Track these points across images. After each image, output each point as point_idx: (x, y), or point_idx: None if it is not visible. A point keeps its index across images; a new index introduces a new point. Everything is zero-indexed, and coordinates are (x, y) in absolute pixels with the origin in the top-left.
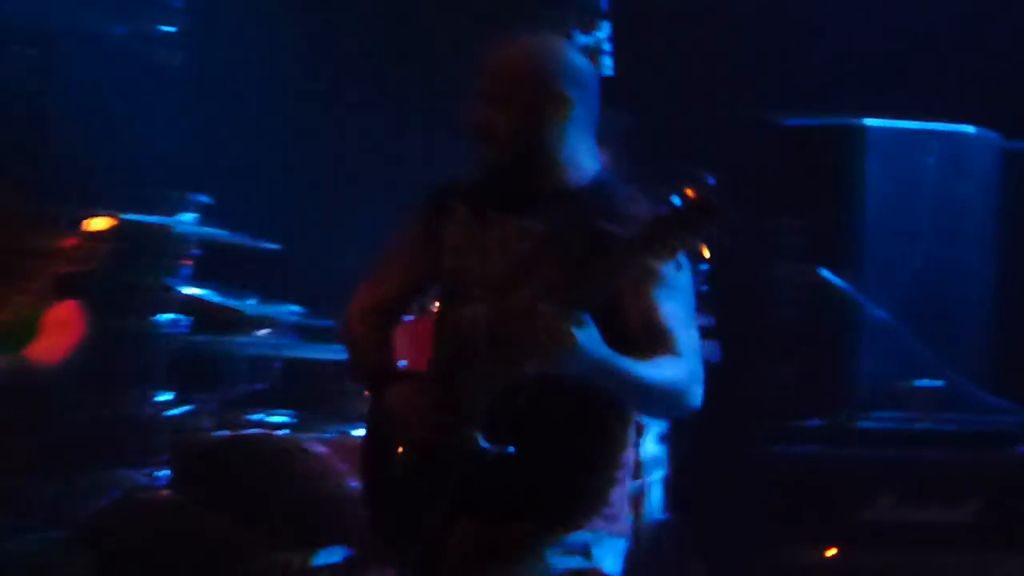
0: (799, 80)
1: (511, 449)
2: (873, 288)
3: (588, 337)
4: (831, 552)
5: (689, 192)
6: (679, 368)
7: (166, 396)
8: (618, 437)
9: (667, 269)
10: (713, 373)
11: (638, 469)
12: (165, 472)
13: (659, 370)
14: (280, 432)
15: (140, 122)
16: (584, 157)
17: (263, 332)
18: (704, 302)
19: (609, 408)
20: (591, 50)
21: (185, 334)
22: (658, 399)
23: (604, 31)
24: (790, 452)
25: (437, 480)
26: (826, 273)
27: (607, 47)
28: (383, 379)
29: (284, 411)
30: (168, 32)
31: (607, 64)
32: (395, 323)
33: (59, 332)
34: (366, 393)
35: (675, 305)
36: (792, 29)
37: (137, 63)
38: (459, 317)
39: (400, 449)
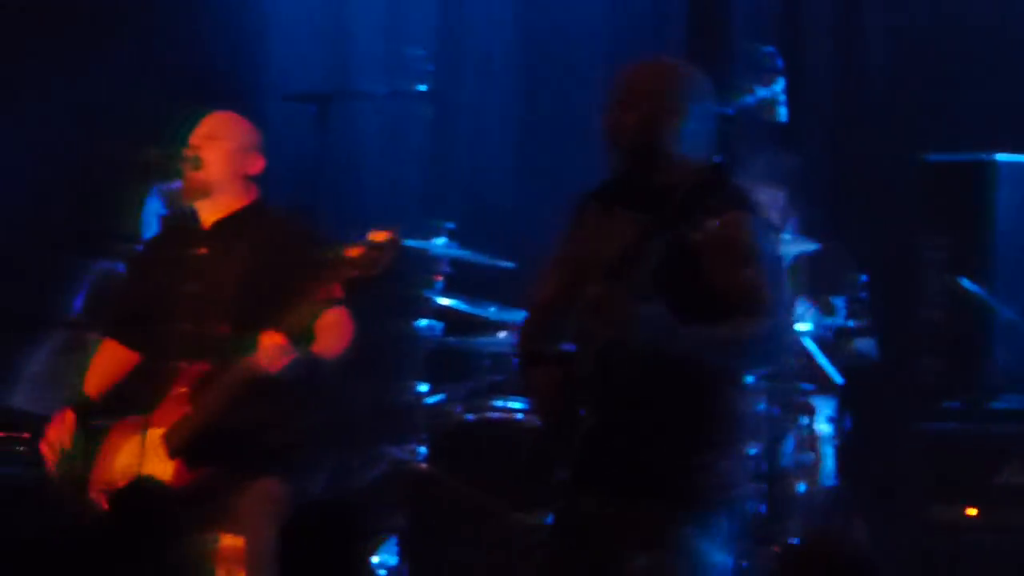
0: (942, 122)
1: (614, 419)
2: (1003, 293)
3: (650, 309)
4: (971, 511)
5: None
6: (759, 324)
7: (423, 387)
8: (724, 409)
9: (744, 237)
10: (874, 365)
11: (813, 443)
12: (423, 449)
13: (736, 330)
14: (517, 415)
15: (400, 164)
16: (696, 159)
17: (502, 334)
18: (864, 307)
19: (712, 381)
20: (769, 101)
21: (439, 336)
22: (737, 355)
23: (780, 85)
24: (936, 428)
25: (558, 454)
26: (965, 282)
27: (782, 98)
28: (530, 361)
29: (520, 398)
30: (421, 90)
31: (782, 113)
32: (563, 316)
33: (331, 334)
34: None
35: (754, 268)
36: (936, 80)
37: (396, 116)
38: (579, 300)
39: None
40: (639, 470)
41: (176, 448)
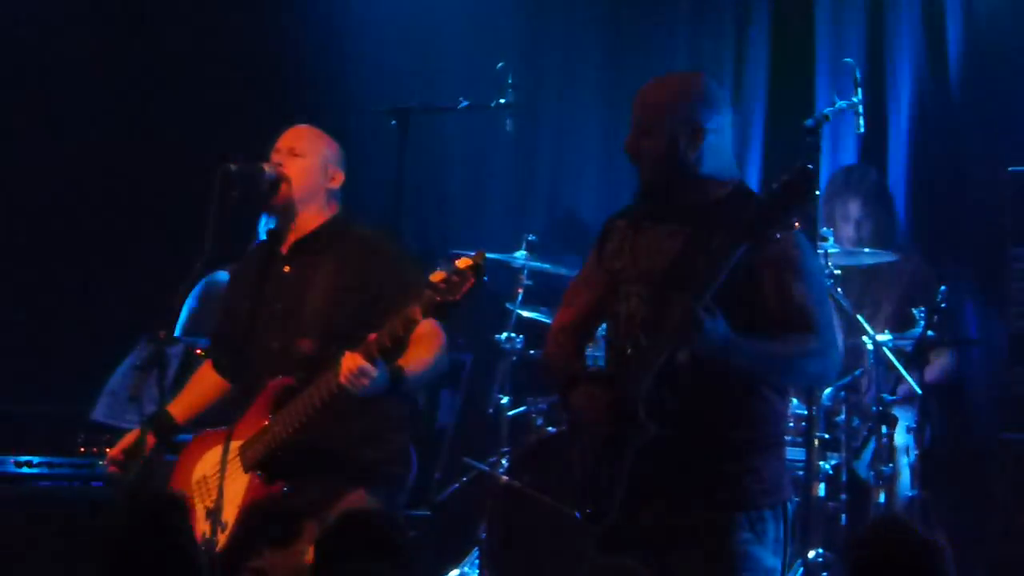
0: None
1: (669, 431)
2: None
3: (715, 321)
4: None
5: (785, 178)
6: (810, 341)
7: (505, 399)
8: (768, 413)
9: (798, 255)
10: (957, 375)
11: (891, 454)
12: (504, 462)
13: (788, 345)
14: None
15: (482, 177)
16: (722, 173)
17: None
18: (944, 318)
19: (757, 389)
20: (849, 112)
21: (520, 348)
22: (788, 370)
23: (858, 96)
24: (1018, 438)
25: (615, 465)
26: None
27: (860, 109)
28: (569, 383)
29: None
30: (504, 103)
31: (861, 124)
32: (587, 339)
33: (423, 346)
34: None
35: (806, 286)
36: (1020, 89)
37: (479, 130)
38: (617, 313)
39: (581, 442)
40: (696, 480)
41: (251, 462)
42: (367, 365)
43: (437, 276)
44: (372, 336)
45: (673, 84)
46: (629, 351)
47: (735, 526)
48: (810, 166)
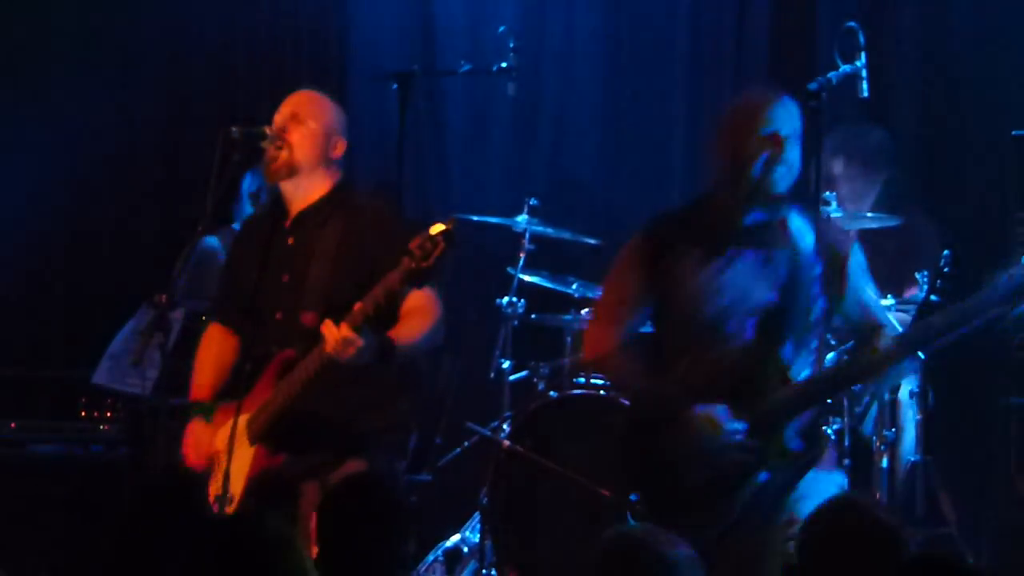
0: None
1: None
2: None
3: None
4: None
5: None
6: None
7: (506, 364)
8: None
9: (858, 257)
10: (959, 340)
11: (894, 419)
12: (506, 426)
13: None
14: (599, 391)
15: (483, 142)
16: (778, 188)
17: (585, 310)
18: (948, 281)
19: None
20: (852, 77)
21: (521, 313)
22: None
23: (862, 60)
24: (1021, 402)
25: (728, 491)
26: None
27: (864, 74)
28: (672, 403)
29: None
30: (504, 68)
31: (863, 88)
32: (628, 345)
33: (416, 318)
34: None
35: (870, 285)
36: (1021, 58)
37: (480, 94)
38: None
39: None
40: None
41: (255, 434)
42: (351, 335)
43: (414, 243)
44: (357, 305)
45: (742, 105)
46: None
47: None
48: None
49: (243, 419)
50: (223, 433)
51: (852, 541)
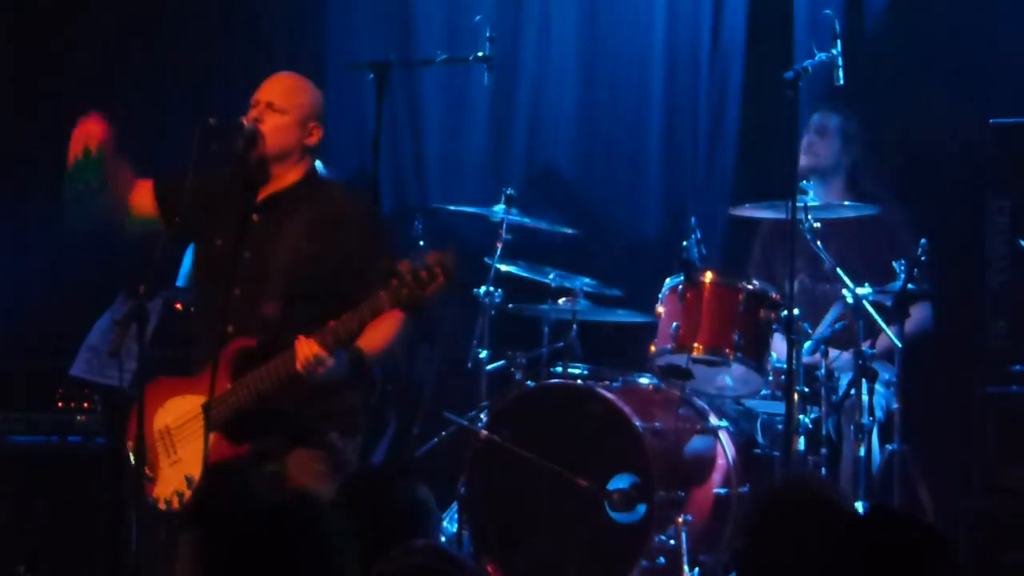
0: (1006, 85)
1: None
2: None
3: None
4: None
5: None
6: None
7: (484, 353)
8: None
9: None
10: (937, 330)
11: (871, 408)
12: (483, 416)
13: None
14: (577, 381)
15: (460, 131)
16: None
17: (562, 300)
18: (924, 271)
19: None
20: (827, 64)
21: (499, 303)
22: None
23: (837, 48)
24: (1000, 392)
25: None
26: None
27: (839, 61)
28: None
29: (579, 364)
30: (481, 57)
31: (839, 76)
32: None
33: (384, 323)
34: None
35: None
36: (1000, 41)
37: (457, 83)
38: None
39: None
40: None
41: (216, 422)
42: (323, 354)
43: (404, 266)
44: (332, 323)
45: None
46: None
47: None
48: None
49: (195, 401)
50: (171, 408)
51: (796, 511)
